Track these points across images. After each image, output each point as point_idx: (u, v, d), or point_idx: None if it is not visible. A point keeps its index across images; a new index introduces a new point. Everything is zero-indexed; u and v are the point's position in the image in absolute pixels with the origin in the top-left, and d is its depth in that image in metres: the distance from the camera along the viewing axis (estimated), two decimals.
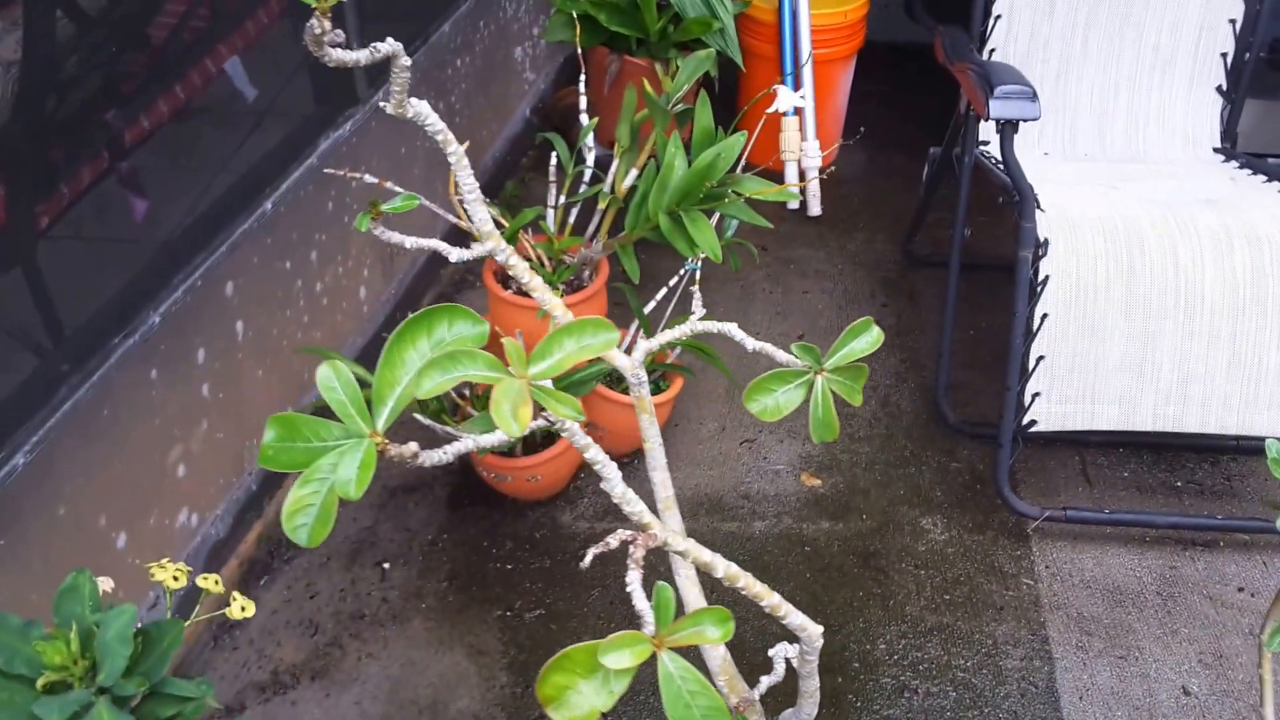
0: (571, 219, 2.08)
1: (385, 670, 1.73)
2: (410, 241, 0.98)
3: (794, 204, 2.94)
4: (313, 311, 2.06)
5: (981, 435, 2.13)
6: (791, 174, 2.92)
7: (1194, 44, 2.31)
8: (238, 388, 1.83)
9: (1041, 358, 1.84)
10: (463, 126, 2.73)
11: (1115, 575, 1.87)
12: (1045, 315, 1.82)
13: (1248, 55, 2.27)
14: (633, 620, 1.80)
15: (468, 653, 1.76)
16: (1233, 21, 2.28)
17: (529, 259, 1.98)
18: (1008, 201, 1.95)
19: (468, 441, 0.75)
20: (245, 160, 1.94)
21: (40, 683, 0.91)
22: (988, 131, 2.25)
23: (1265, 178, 2.10)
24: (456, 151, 0.88)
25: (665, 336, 1.03)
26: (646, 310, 2.10)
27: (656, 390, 2.09)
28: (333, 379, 0.64)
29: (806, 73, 2.89)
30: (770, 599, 0.84)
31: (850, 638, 1.77)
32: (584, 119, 2.09)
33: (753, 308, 2.58)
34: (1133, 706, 1.65)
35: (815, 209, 2.94)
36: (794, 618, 0.89)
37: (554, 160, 2.01)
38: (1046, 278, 1.82)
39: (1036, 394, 1.86)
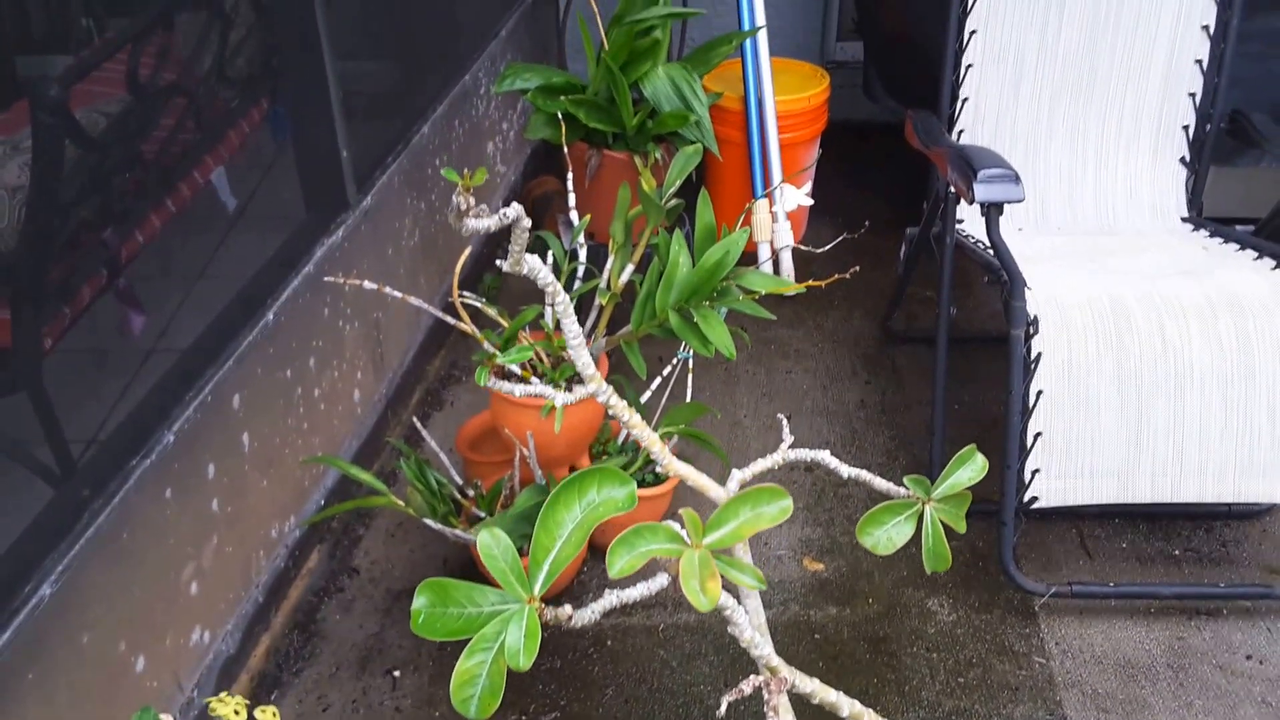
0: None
1: None
2: (520, 389, 1.00)
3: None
4: (311, 417, 2.06)
5: (979, 511, 2.16)
6: (765, 254, 2.98)
7: (1156, 118, 2.40)
8: (245, 499, 1.82)
9: (1039, 434, 1.88)
10: (442, 223, 2.76)
11: (1125, 649, 1.89)
12: (1040, 392, 1.87)
13: (1208, 127, 2.37)
14: None
15: None
16: (1192, 95, 2.37)
17: (502, 370, 2.00)
18: (993, 281, 2.00)
19: (611, 598, 0.76)
20: (247, 272, 1.95)
21: None
22: (965, 211, 2.31)
23: (1237, 245, 2.17)
24: (563, 300, 0.90)
25: (757, 467, 1.05)
26: (643, 400, 2.12)
27: (656, 481, 2.11)
28: (493, 546, 0.66)
29: (774, 156, 2.96)
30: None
31: None
32: (574, 216, 2.12)
33: (738, 390, 2.61)
34: None
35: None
36: None
37: (550, 258, 2.04)
38: (1039, 355, 1.87)
39: (1036, 470, 1.89)
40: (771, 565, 2.10)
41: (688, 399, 2.22)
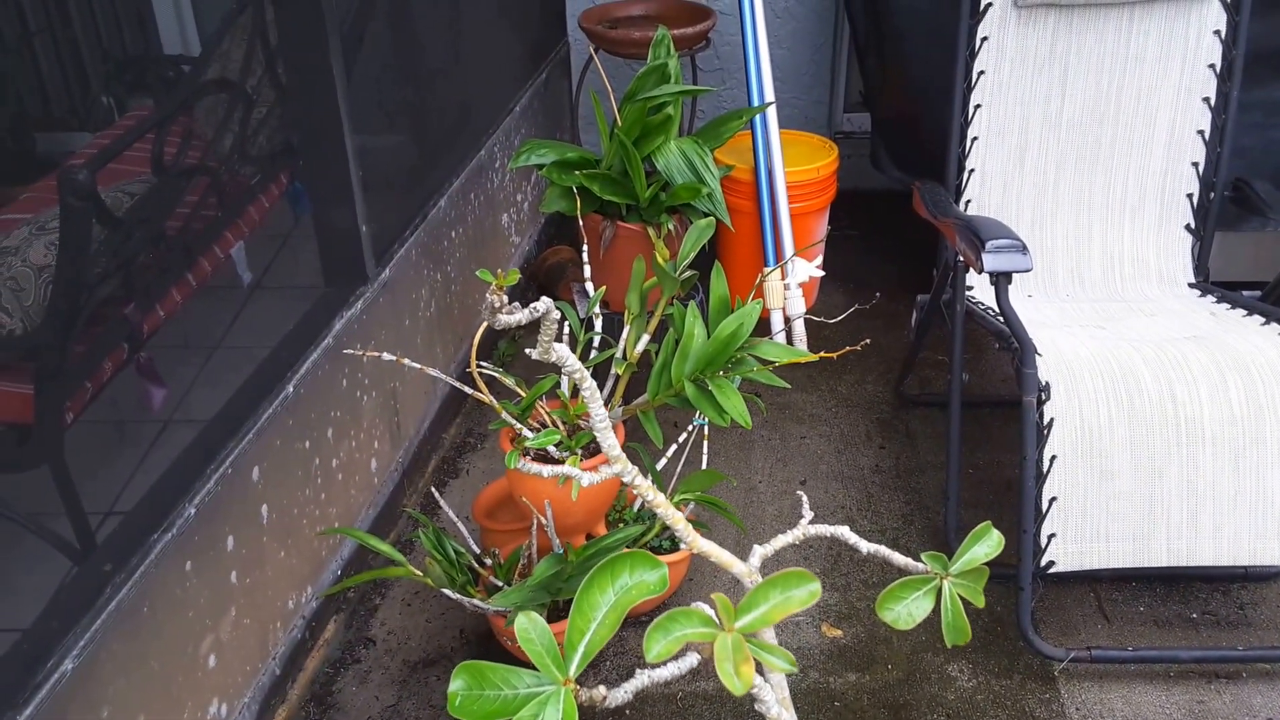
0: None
1: None
2: (548, 471, 1.02)
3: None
4: (329, 488, 2.08)
5: (996, 576, 2.16)
6: (777, 322, 3.01)
7: (1160, 187, 2.44)
8: (263, 571, 1.84)
9: (1054, 499, 1.89)
10: (457, 293, 2.80)
11: (1145, 713, 1.88)
12: (1054, 457, 1.88)
13: (1212, 195, 2.40)
14: None
15: None
16: (1195, 164, 2.41)
17: (545, 424, 2.02)
18: (1004, 348, 2.02)
19: (642, 679, 0.78)
20: (267, 345, 1.99)
21: None
22: (974, 279, 2.34)
23: (1244, 311, 2.19)
24: (591, 387, 0.93)
25: (779, 542, 1.07)
26: (659, 466, 2.14)
27: (673, 548, 2.11)
28: (530, 630, 0.67)
29: (785, 226, 3.01)
30: None
31: None
32: (590, 287, 2.16)
33: (753, 456, 2.62)
34: None
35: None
36: None
37: (566, 329, 2.07)
38: (1051, 421, 1.88)
39: (1052, 535, 1.90)
40: (790, 631, 2.09)
41: (703, 465, 2.24)
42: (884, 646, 2.05)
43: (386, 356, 1.99)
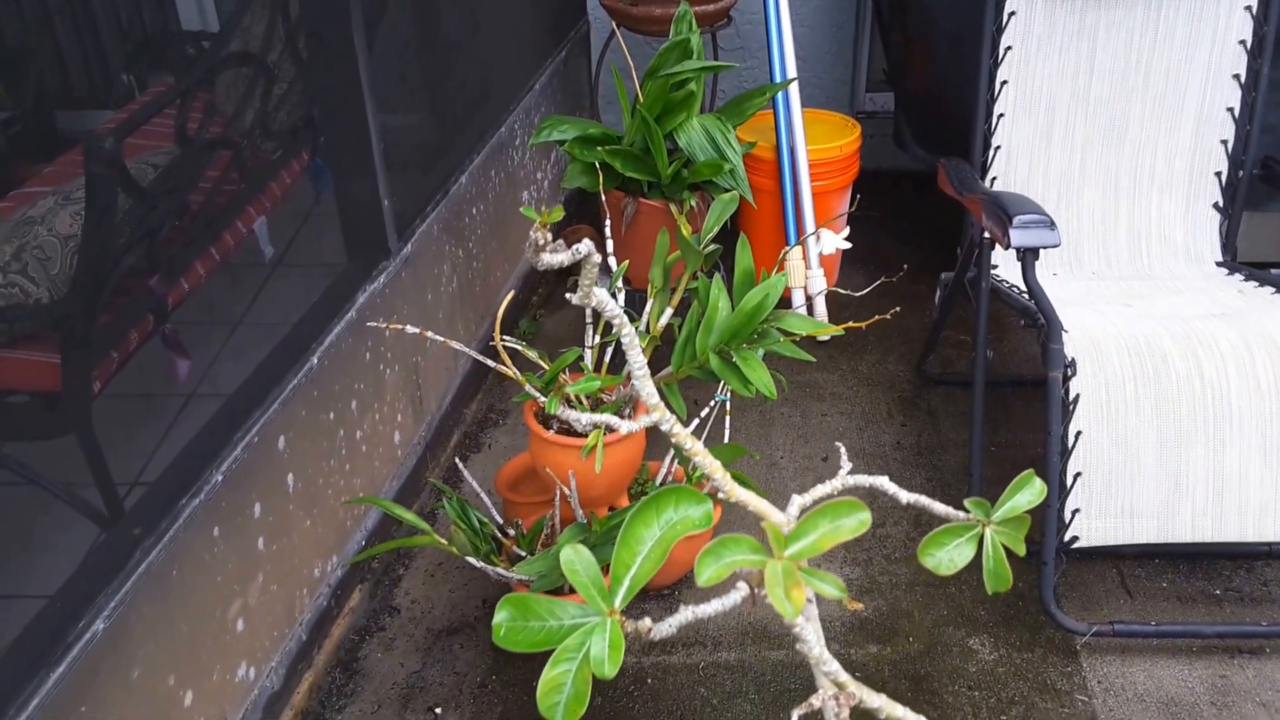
0: (607, 358, 2.12)
1: None
2: (586, 419, 1.02)
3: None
4: (353, 459, 2.09)
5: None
6: (798, 300, 3.00)
7: (1188, 165, 2.42)
8: (289, 538, 1.85)
9: (1079, 474, 1.88)
10: (479, 270, 2.80)
11: (1168, 687, 1.88)
12: (1079, 433, 1.87)
13: (1240, 173, 2.38)
14: None
15: None
16: (1224, 142, 2.39)
17: (568, 399, 2.02)
18: (1030, 325, 2.02)
19: (687, 613, 0.78)
20: (291, 318, 1.99)
21: None
22: (999, 256, 2.33)
23: (1273, 289, 2.18)
24: (630, 333, 0.93)
25: (818, 492, 1.07)
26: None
27: None
28: (576, 561, 0.68)
29: (807, 204, 3.00)
30: None
31: None
32: (612, 262, 2.16)
33: (774, 432, 2.62)
34: None
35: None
36: None
37: (570, 392, 2.07)
38: (1077, 396, 1.88)
39: (1076, 510, 1.89)
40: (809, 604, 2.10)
41: (725, 441, 2.24)
42: (905, 620, 2.05)
43: (410, 329, 2.00)
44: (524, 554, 1.94)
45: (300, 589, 1.90)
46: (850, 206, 3.08)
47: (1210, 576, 2.11)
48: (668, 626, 0.77)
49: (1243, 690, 1.87)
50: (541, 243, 0.90)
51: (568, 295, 0.98)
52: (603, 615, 0.66)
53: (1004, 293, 2.20)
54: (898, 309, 1.99)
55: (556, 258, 0.88)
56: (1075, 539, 1.91)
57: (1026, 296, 2.06)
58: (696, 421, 2.20)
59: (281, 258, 2.39)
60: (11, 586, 1.41)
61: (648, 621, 0.73)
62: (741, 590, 0.81)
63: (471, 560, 1.87)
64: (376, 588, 2.15)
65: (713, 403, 2.25)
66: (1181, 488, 1.89)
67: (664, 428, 0.93)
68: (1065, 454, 1.88)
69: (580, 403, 1.98)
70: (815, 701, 0.85)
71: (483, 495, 2.06)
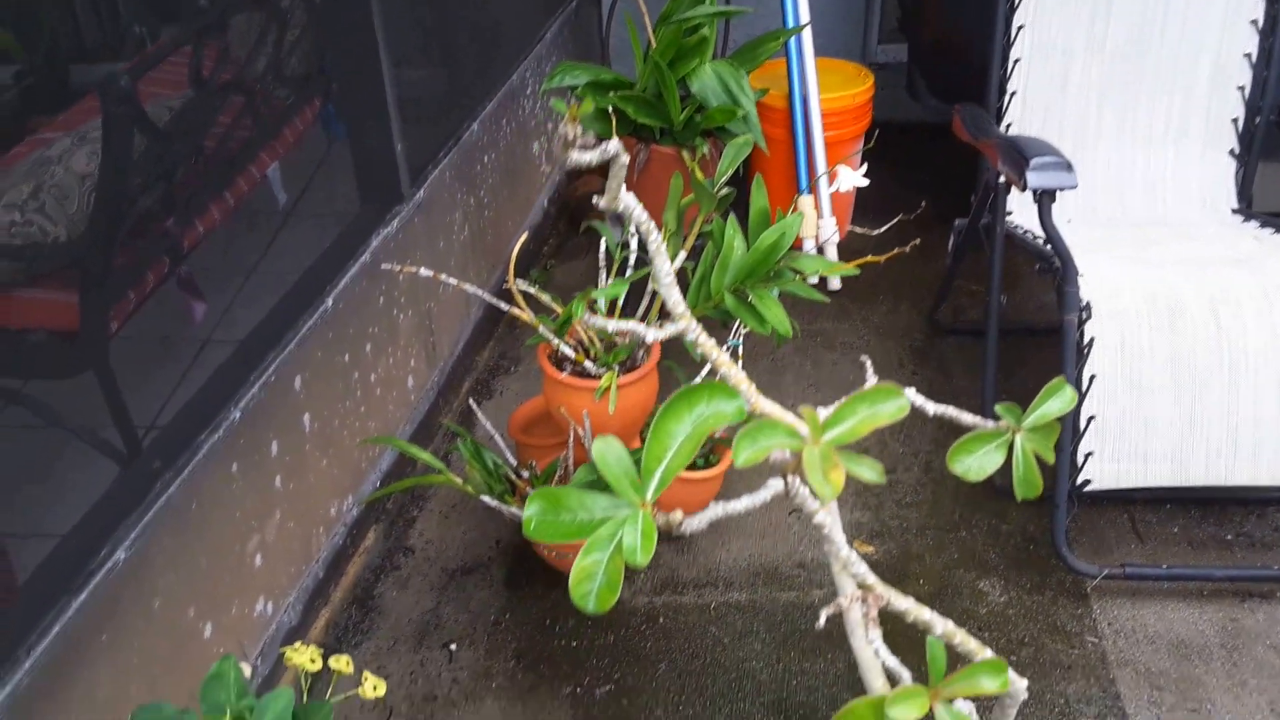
0: (620, 302, 2.13)
1: None
2: (613, 325, 1.02)
3: (813, 279, 3.01)
4: (368, 401, 2.10)
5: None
6: (810, 249, 3.00)
7: (1205, 111, 2.40)
8: (305, 478, 1.86)
9: (1092, 418, 1.89)
10: (490, 219, 2.80)
11: (1178, 629, 1.89)
12: (1093, 376, 1.87)
13: (1257, 119, 2.36)
14: (703, 694, 1.81)
15: None
16: (1241, 89, 2.37)
17: (582, 341, 2.03)
18: (1045, 269, 2.01)
19: (718, 509, 0.79)
20: (309, 260, 2.00)
21: None
22: (1014, 202, 2.32)
23: None
24: (657, 239, 0.93)
25: (839, 431, 1.07)
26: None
27: (707, 465, 2.13)
28: (608, 453, 0.68)
29: (819, 153, 2.98)
30: (984, 653, 0.87)
31: None
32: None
33: (785, 380, 2.62)
34: None
35: (835, 283, 3.01)
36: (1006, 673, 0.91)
37: (602, 246, 2.07)
38: (1091, 340, 1.88)
39: (1089, 454, 1.90)
40: (821, 548, 2.11)
41: (871, 381, 2.24)
42: (916, 563, 2.06)
43: (424, 272, 2.00)
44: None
45: (317, 527, 1.91)
46: (868, 143, 3.05)
47: (1221, 522, 2.12)
48: (698, 522, 0.77)
49: (1253, 633, 1.88)
50: (571, 138, 0.89)
51: (594, 200, 0.98)
52: (634, 507, 0.66)
53: (1019, 238, 2.19)
54: (917, 240, 1.99)
55: (586, 155, 0.88)
56: (1087, 482, 1.91)
57: (1042, 241, 2.05)
58: (707, 369, 2.21)
59: (295, 203, 2.39)
60: (34, 519, 1.43)
61: (679, 514, 0.73)
62: (772, 487, 0.82)
63: (486, 499, 1.88)
64: (391, 528, 2.17)
65: (724, 348, 2.25)
66: (1195, 431, 1.89)
67: (690, 337, 0.93)
68: (1079, 397, 1.88)
69: (594, 343, 1.98)
70: (844, 601, 0.86)
71: (496, 437, 2.07)
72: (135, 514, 1.43)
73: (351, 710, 1.80)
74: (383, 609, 1.99)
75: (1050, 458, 0.90)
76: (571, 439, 1.94)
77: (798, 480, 0.83)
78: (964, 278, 2.85)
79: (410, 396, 2.31)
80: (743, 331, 2.14)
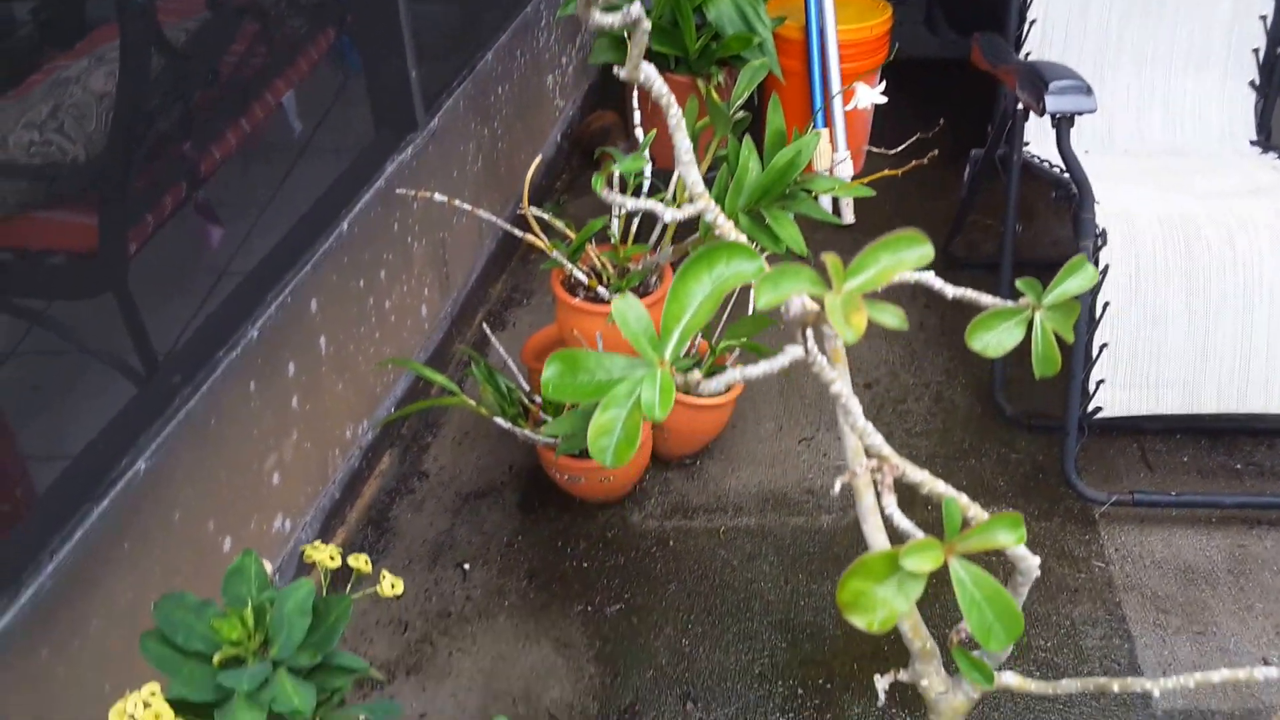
0: (633, 228, 2.13)
1: (477, 664, 1.77)
2: (631, 203, 1.02)
3: (828, 204, 3.00)
4: (383, 327, 2.11)
5: (1039, 427, 2.18)
6: (825, 201, 2.98)
7: (1225, 41, 2.37)
8: (321, 399, 1.88)
9: (1105, 345, 1.89)
10: (504, 151, 2.79)
11: (1185, 555, 1.91)
12: (1107, 304, 1.87)
13: (1279, 50, 2.34)
14: (711, 613, 1.84)
15: (554, 646, 1.80)
16: (1263, 18, 2.34)
17: (595, 267, 2.03)
18: (1061, 196, 2.01)
19: (734, 374, 0.79)
20: (324, 184, 2.00)
21: (217, 659, 0.96)
22: (1031, 132, 2.31)
23: None
24: (677, 114, 0.93)
25: (862, 279, 1.06)
26: None
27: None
28: (627, 311, 0.69)
29: (835, 86, 2.96)
30: (982, 517, 0.87)
31: (929, 622, 1.80)
32: (639, 133, 2.15)
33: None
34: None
35: (848, 217, 3.00)
36: (1017, 549, 0.93)
37: (615, 172, 2.06)
38: (1106, 267, 1.87)
39: (1101, 381, 1.90)
40: (830, 475, 2.13)
41: (749, 314, 2.25)
42: (935, 531, 2.08)
43: (438, 197, 2.01)
44: (549, 418, 1.97)
45: (333, 449, 1.94)
46: (889, 55, 3.02)
47: (1231, 451, 2.13)
48: (717, 383, 0.78)
49: (1260, 559, 1.90)
50: None
51: (615, 70, 0.97)
52: (653, 365, 0.67)
53: (1035, 167, 2.18)
54: (934, 152, 1.98)
55: (608, 18, 0.87)
56: (1099, 409, 1.92)
57: (1059, 170, 2.04)
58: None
59: (310, 129, 2.39)
60: (56, 431, 1.45)
61: (697, 374, 0.74)
62: (790, 353, 0.82)
63: (499, 421, 1.90)
64: (406, 453, 2.19)
65: None
66: (1208, 359, 1.89)
67: (708, 218, 0.93)
68: (1092, 324, 1.89)
69: (606, 269, 1.99)
70: (858, 470, 0.87)
71: (510, 363, 2.08)
72: (155, 426, 1.45)
73: (369, 625, 1.84)
74: (398, 530, 2.02)
75: (1070, 337, 0.90)
76: None
77: (816, 348, 0.83)
78: (979, 212, 2.84)
79: (424, 325, 2.32)
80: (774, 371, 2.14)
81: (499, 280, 2.79)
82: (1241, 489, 2.04)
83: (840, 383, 0.81)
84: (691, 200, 0.92)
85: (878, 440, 0.83)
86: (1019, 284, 0.87)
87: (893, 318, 0.73)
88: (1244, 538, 1.94)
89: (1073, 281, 0.87)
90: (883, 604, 0.72)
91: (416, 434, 2.24)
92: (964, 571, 0.74)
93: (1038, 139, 2.31)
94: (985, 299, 0.89)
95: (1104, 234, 1.89)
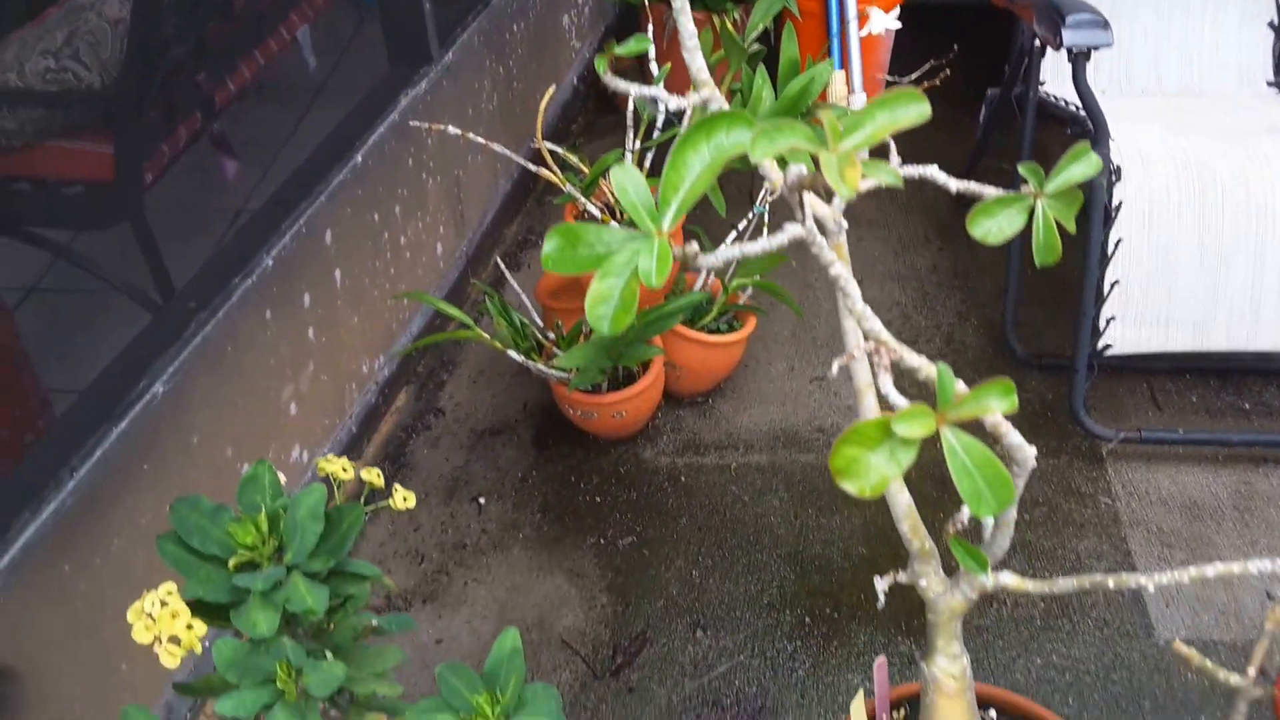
0: (647, 162, 2.13)
1: (491, 593, 1.80)
2: (636, 88, 1.01)
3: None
4: (398, 263, 2.12)
5: (1049, 366, 2.19)
6: None
7: None
8: (337, 333, 1.90)
9: (1116, 282, 1.89)
10: (519, 91, 2.79)
11: (1191, 492, 1.92)
12: (1119, 240, 1.87)
13: None
14: (722, 546, 1.86)
15: (568, 577, 1.83)
16: None
17: (609, 202, 2.04)
18: (1076, 134, 2.00)
19: (734, 250, 0.80)
20: (338, 115, 2.01)
21: (232, 563, 0.98)
22: (1047, 71, 2.29)
23: None
24: (686, 14, 0.93)
25: (867, 185, 1.07)
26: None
27: (729, 330, 2.15)
28: (625, 180, 0.70)
29: (852, 24, 2.94)
30: (994, 417, 0.88)
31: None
32: (654, 67, 2.14)
33: (808, 255, 2.62)
34: (1219, 611, 1.71)
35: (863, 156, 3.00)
36: (1012, 437, 0.94)
37: (630, 105, 2.07)
38: (1120, 204, 1.87)
39: (1111, 318, 1.91)
40: (841, 414, 2.14)
41: (895, 161, 2.25)
42: (935, 448, 2.09)
43: (452, 130, 2.01)
44: (561, 353, 1.99)
45: (349, 383, 1.96)
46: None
47: (1240, 391, 2.13)
48: (715, 258, 0.79)
49: (1265, 496, 1.91)
50: None
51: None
52: (650, 235, 0.68)
53: (1051, 105, 2.17)
54: (946, 72, 1.97)
55: None
56: (1109, 346, 1.93)
57: (1075, 108, 2.03)
58: (734, 234, 2.22)
59: (325, 65, 2.39)
60: (76, 355, 1.48)
61: (694, 246, 0.75)
62: (789, 231, 0.83)
63: (512, 354, 1.92)
64: (422, 390, 2.22)
65: (750, 215, 2.26)
66: (1219, 297, 1.89)
67: (713, 106, 0.94)
68: (1104, 261, 1.89)
69: (618, 202, 1.99)
70: (856, 353, 0.88)
71: (525, 299, 2.10)
72: (172, 350, 1.47)
73: (386, 556, 1.87)
74: (414, 465, 2.04)
75: (1072, 227, 0.90)
76: None
77: (814, 226, 0.84)
78: (993, 156, 2.83)
79: (439, 264, 2.34)
80: (770, 198, 2.15)
81: (514, 222, 2.80)
82: (1250, 428, 2.04)
83: (839, 265, 0.82)
84: (696, 88, 0.92)
85: (876, 324, 0.84)
86: (1022, 169, 0.87)
87: (888, 175, 0.73)
88: (1250, 475, 1.95)
89: (1075, 169, 0.87)
90: (874, 470, 0.74)
91: (432, 372, 2.27)
92: (955, 439, 0.75)
93: (1054, 79, 2.30)
94: (989, 190, 0.89)
95: (1118, 170, 1.88)
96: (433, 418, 2.16)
